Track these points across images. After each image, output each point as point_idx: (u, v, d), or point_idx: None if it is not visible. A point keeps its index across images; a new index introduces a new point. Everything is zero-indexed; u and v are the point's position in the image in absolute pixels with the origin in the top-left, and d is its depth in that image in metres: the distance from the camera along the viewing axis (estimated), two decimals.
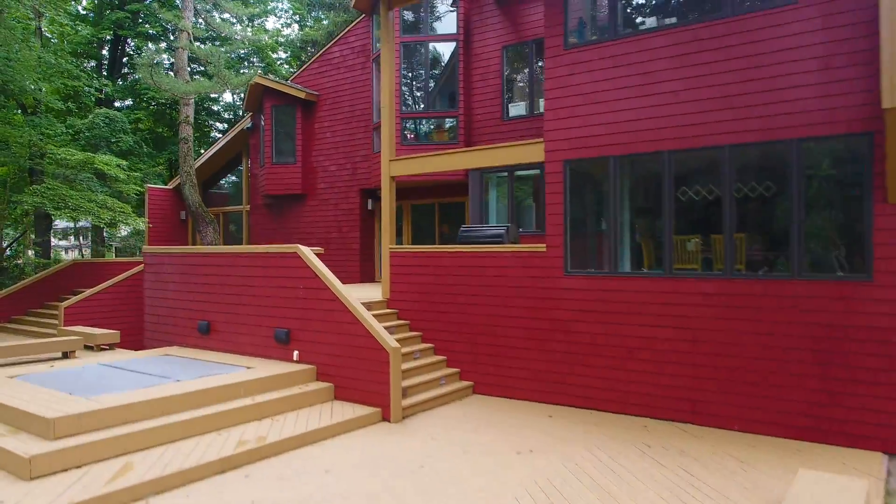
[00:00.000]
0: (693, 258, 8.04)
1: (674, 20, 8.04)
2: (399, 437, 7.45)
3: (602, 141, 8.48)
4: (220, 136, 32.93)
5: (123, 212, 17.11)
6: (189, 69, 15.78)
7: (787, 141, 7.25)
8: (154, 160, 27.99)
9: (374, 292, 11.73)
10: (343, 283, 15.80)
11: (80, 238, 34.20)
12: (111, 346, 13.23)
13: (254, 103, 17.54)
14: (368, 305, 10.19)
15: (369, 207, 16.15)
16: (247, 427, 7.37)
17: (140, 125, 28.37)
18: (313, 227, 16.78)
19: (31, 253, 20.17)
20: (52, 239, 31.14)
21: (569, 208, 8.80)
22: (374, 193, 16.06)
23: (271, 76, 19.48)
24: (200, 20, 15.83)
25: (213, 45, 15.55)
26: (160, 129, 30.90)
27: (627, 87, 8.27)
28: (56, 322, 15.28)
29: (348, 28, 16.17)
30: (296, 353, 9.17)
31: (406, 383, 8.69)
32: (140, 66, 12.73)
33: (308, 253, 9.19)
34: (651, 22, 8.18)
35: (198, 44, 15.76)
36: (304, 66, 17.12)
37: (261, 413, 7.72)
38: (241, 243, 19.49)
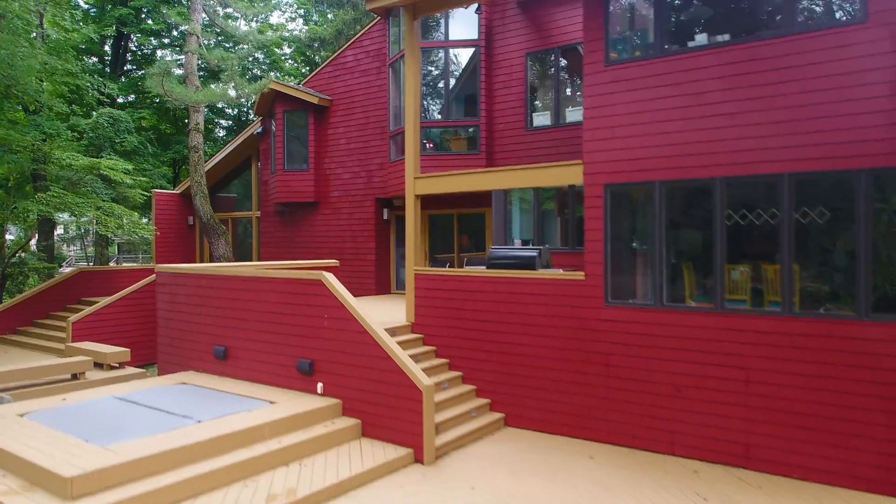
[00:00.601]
0: (741, 288, 7.57)
1: (727, 37, 7.52)
2: (436, 484, 7.01)
3: (646, 165, 7.99)
4: (224, 132, 32.47)
5: (131, 219, 16.65)
6: (199, 74, 15.25)
7: (854, 171, 6.76)
8: (159, 160, 27.50)
9: (396, 312, 11.27)
10: (358, 295, 15.39)
11: (83, 240, 33.69)
12: (121, 364, 12.80)
13: (265, 108, 17.00)
14: (393, 331, 9.74)
15: (385, 217, 15.66)
16: (274, 474, 6.92)
17: (143, 122, 27.80)
18: (326, 237, 16.30)
19: (23, 255, 19.64)
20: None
21: (609, 235, 8.31)
22: (390, 203, 15.57)
23: (275, 74, 18.96)
24: (207, 17, 15.22)
25: (224, 48, 14.96)
26: (164, 127, 30.37)
27: (675, 109, 7.76)
28: (62, 335, 14.84)
29: (362, 31, 15.62)
30: (320, 385, 8.71)
31: (437, 418, 8.25)
32: (150, 76, 12.21)
33: (333, 281, 8.71)
34: (701, 39, 7.66)
35: (209, 41, 15.21)
36: (316, 70, 16.57)
37: (288, 457, 7.28)
38: (250, 251, 19.01)
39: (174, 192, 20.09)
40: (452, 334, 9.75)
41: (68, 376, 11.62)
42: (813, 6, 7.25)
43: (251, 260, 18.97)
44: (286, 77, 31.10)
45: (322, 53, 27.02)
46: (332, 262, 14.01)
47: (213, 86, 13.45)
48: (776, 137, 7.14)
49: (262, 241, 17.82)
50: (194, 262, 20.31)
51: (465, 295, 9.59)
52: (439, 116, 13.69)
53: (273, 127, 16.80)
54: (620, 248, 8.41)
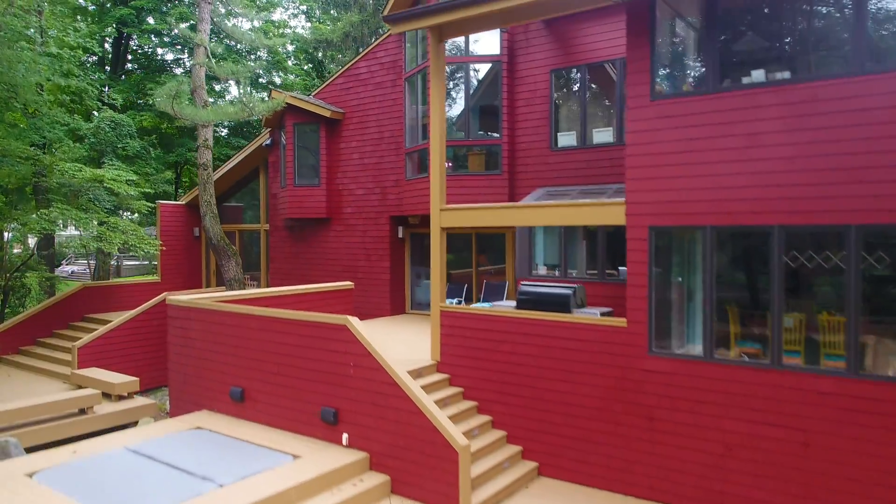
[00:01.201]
0: (796, 339, 7.10)
1: (787, 75, 7.00)
2: None
3: (695, 208, 7.49)
4: (227, 131, 31.81)
5: (136, 234, 16.13)
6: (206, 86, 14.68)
7: None
8: (162, 162, 26.91)
9: (418, 344, 10.79)
10: (373, 315, 14.92)
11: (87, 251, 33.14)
12: (130, 394, 12.34)
13: (274, 119, 16.43)
14: (418, 372, 9.28)
15: (400, 236, 15.16)
16: None
17: (144, 123, 27.17)
18: (338, 254, 15.79)
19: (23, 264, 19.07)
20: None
21: (654, 280, 7.83)
22: (405, 220, 15.06)
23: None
24: (216, 22, 14.62)
25: (233, 57, 14.36)
26: (165, 127, 29.75)
27: (728, 150, 7.25)
28: (68, 357, 14.36)
29: (376, 42, 15.04)
30: (345, 436, 8.25)
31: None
32: (160, 98, 11.66)
33: (359, 327, 8.22)
34: (758, 75, 7.14)
35: (216, 49, 14.64)
36: (327, 81, 16.01)
37: None
38: (257, 264, 18.51)
39: (180, 203, 19.57)
40: (481, 376, 9.28)
41: (76, 410, 11.17)
42: (883, 44, 6.73)
43: (259, 275, 18.47)
44: (289, 78, 30.48)
45: (329, 53, 26.35)
46: (347, 284, 13.55)
47: (221, 101, 12.87)
48: (842, 185, 6.64)
49: (270, 256, 17.31)
50: (200, 275, 19.82)
51: (495, 336, 9.11)
52: (462, 134, 13.14)
53: (283, 139, 16.26)
54: (666, 294, 7.93)
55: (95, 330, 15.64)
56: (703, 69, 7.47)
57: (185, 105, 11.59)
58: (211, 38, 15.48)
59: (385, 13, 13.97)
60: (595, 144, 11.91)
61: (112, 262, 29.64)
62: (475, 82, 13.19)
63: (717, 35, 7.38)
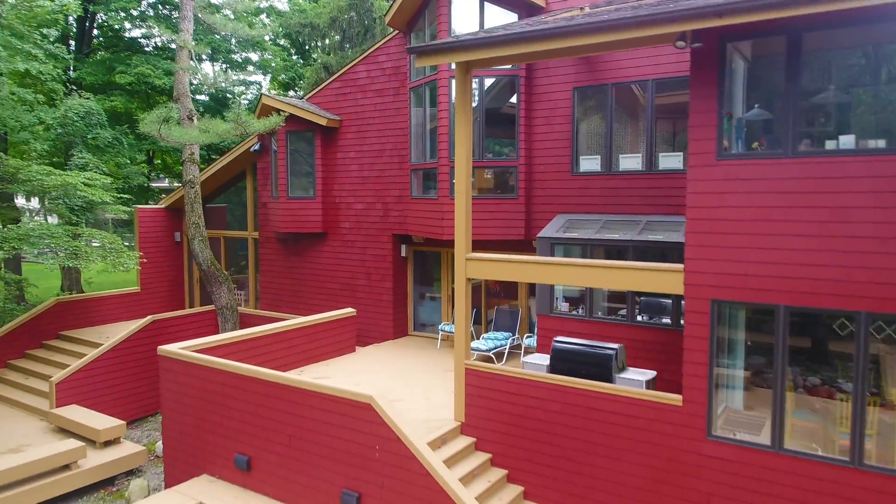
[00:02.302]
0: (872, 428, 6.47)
1: (881, 144, 6.19)
2: None
3: (767, 284, 6.72)
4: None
5: (114, 248, 14.90)
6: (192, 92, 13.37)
7: None
8: (136, 150, 25.30)
9: (435, 393, 9.98)
10: (375, 339, 14.05)
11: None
12: (116, 439, 11.38)
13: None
14: (442, 439, 8.50)
15: (403, 254, 14.21)
16: None
17: (116, 106, 25.45)
18: (336, 271, 14.80)
19: None
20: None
21: (715, 358, 7.09)
22: (409, 239, 14.10)
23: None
24: (199, 18, 13.22)
25: (221, 68, 13.03)
26: (137, 111, 28.00)
27: (808, 222, 6.47)
28: (43, 386, 13.26)
29: (376, 46, 13.83)
30: None
31: None
32: (145, 122, 10.38)
33: (387, 409, 7.36)
34: (848, 141, 6.32)
35: (200, 53, 13.28)
36: (322, 85, 14.78)
37: None
38: (244, 275, 17.41)
39: (159, 206, 18.27)
40: (510, 442, 8.53)
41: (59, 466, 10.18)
42: None
43: (247, 284, 17.39)
44: (265, 57, 28.80)
45: (313, 44, 24.83)
46: (349, 311, 12.69)
47: (207, 117, 11.62)
48: None
49: (261, 269, 16.23)
50: (183, 282, 18.65)
51: (528, 401, 8.34)
52: (475, 155, 12.13)
53: (274, 145, 15.06)
54: (728, 373, 7.21)
55: (72, 351, 14.59)
56: (782, 128, 6.62)
57: (173, 128, 10.35)
58: (196, 39, 14.13)
59: (388, 19, 12.77)
60: (621, 171, 11.06)
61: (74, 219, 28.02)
62: (490, 98, 12.15)
63: (799, 90, 6.51)
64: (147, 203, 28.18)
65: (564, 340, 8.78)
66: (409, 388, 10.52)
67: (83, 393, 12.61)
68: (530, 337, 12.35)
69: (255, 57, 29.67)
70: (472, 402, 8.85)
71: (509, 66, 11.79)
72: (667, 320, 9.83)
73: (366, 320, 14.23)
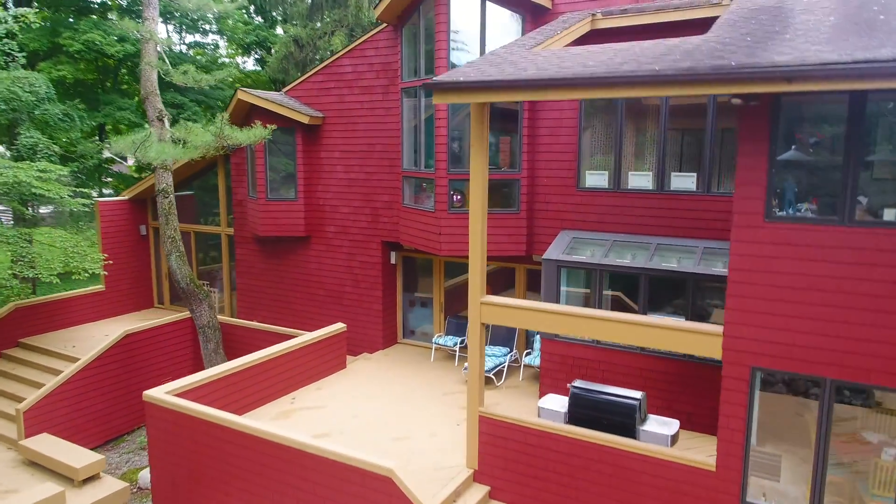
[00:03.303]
0: None
1: None
2: None
3: (813, 355, 6.40)
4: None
5: (78, 252, 13.80)
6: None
7: None
8: (87, 124, 23.56)
9: (441, 429, 9.56)
10: (365, 349, 13.48)
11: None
12: (96, 475, 10.68)
13: (238, 118, 14.08)
14: (457, 492, 8.12)
15: (392, 262, 13.55)
16: None
17: (65, 75, 23.49)
18: (321, 276, 14.07)
19: None
20: None
21: (754, 425, 6.81)
22: (399, 245, 13.43)
23: (251, 89, 15.66)
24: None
25: (194, 64, 11.75)
26: (89, 78, 26.01)
27: (863, 295, 6.11)
28: (9, 408, 12.34)
29: (363, 38, 12.79)
30: None
31: None
32: (118, 143, 9.23)
33: (409, 486, 6.88)
34: None
35: (169, 46, 11.89)
36: (303, 77, 13.69)
37: None
38: (221, 276, 16.48)
39: (122, 198, 17.03)
40: (527, 493, 8.20)
41: None
42: None
43: (222, 283, 16.49)
44: (228, 23, 26.93)
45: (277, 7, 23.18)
46: (339, 327, 12.12)
47: (190, 124, 10.49)
48: None
49: (238, 271, 15.35)
50: (150, 277, 17.61)
51: (547, 454, 7.99)
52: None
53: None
54: (765, 443, 6.94)
55: (35, 363, 13.63)
56: (837, 193, 6.18)
57: (151, 146, 9.27)
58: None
59: (377, 13, 11.74)
60: (630, 189, 10.57)
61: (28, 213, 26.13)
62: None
63: (858, 153, 6.05)
64: (103, 182, 26.54)
65: (583, 386, 8.39)
66: (412, 419, 10.07)
67: (53, 419, 11.77)
68: (529, 353, 11.99)
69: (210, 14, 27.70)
70: (486, 449, 8.46)
71: None
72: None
73: (354, 328, 13.63)
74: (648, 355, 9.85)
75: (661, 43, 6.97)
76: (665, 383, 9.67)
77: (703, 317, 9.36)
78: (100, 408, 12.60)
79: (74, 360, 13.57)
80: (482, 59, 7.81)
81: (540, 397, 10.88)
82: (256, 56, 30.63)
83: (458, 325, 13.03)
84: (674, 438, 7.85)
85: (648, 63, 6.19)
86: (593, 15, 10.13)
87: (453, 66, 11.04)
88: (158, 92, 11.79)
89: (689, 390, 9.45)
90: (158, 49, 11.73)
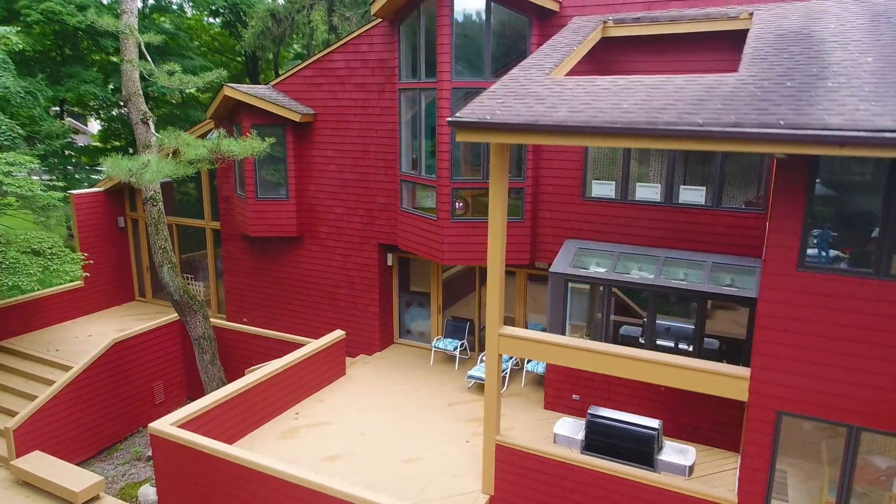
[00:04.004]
0: None
1: None
2: None
3: (840, 402, 6.47)
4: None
5: (56, 255, 13.19)
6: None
7: None
8: (49, 100, 22.34)
9: (451, 448, 9.53)
10: (362, 351, 13.31)
11: None
12: (96, 496, 10.46)
13: (223, 112, 13.46)
14: None
15: (389, 263, 13.28)
16: None
17: (23, 48, 22.06)
18: (314, 277, 13.74)
19: None
20: None
21: (775, 467, 6.91)
22: (395, 247, 13.14)
23: (238, 84, 14.83)
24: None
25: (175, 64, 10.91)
26: (47, 46, 24.47)
27: (893, 347, 6.15)
28: None
29: (357, 33, 12.17)
30: None
31: None
32: (113, 166, 8.56)
33: None
34: None
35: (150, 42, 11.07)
36: (292, 71, 13.04)
37: None
38: (202, 269, 15.99)
39: (97, 189, 16.25)
40: None
41: None
42: None
43: (207, 280, 16.03)
44: None
45: None
46: (339, 335, 11.98)
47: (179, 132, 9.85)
48: None
49: (225, 268, 14.89)
50: (130, 270, 17.02)
51: (564, 483, 8.03)
52: (479, 176, 11.12)
53: (236, 136, 13.41)
54: (786, 482, 7.05)
55: (15, 369, 13.15)
56: (873, 247, 6.14)
57: (146, 171, 8.64)
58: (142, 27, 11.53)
59: (374, 9, 11.13)
60: (637, 200, 10.43)
61: None
62: None
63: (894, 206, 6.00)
64: (66, 158, 25.30)
65: (600, 414, 8.41)
66: (420, 438, 10.01)
67: (45, 435, 11.41)
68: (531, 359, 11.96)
69: None
70: (503, 476, 8.47)
71: None
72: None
73: (349, 329, 13.44)
74: None
75: (695, 81, 6.72)
76: (671, 397, 9.77)
77: (711, 333, 9.41)
78: (91, 419, 12.26)
79: (58, 364, 13.14)
80: (504, 88, 7.46)
81: (545, 407, 10.96)
82: (226, 19, 29.20)
83: (456, 327, 12.93)
84: (691, 469, 7.95)
85: (689, 113, 5.97)
86: (605, 22, 9.77)
87: (457, 70, 10.61)
88: (141, 92, 11.08)
89: (696, 405, 9.56)
90: (140, 45, 10.96)
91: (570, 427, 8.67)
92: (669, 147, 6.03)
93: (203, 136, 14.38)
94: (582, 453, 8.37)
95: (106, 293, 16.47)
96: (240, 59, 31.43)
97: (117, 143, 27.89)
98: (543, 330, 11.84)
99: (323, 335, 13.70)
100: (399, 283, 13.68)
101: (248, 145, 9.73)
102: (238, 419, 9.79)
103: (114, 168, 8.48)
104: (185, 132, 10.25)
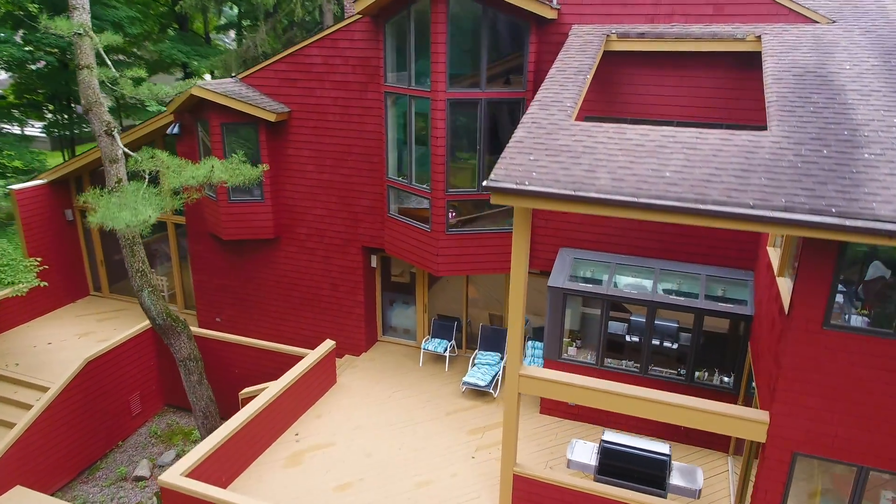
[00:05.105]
0: None
1: None
2: None
3: (852, 446, 6.92)
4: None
5: (9, 265, 12.22)
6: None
7: None
8: None
9: (465, 475, 9.71)
10: (348, 352, 13.17)
11: None
12: None
13: (188, 107, 12.46)
14: None
15: (373, 265, 13.00)
16: None
17: None
18: (294, 277, 13.31)
19: None
20: None
21: (787, 502, 7.41)
22: (381, 250, 12.83)
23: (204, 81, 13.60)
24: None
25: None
26: None
27: None
28: None
29: (336, 28, 11.34)
30: None
31: None
32: (110, 220, 7.64)
33: None
34: None
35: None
36: (262, 65, 12.11)
37: None
38: (169, 269, 15.18)
39: (39, 182, 14.94)
40: None
41: None
42: None
43: (171, 278, 15.27)
44: None
45: None
46: (329, 346, 11.79)
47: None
48: None
49: (193, 267, 14.18)
50: (82, 265, 16.00)
51: None
52: (473, 188, 10.84)
53: (201, 134, 12.53)
54: None
55: None
56: (892, 309, 6.44)
57: (121, 215, 7.74)
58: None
59: (358, 7, 10.36)
60: None
61: None
62: (491, 118, 10.63)
63: None
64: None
65: (613, 441, 8.71)
66: (426, 455, 10.12)
67: (24, 467, 10.84)
68: (526, 359, 12.18)
69: None
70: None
71: (521, 88, 10.32)
72: (682, 373, 10.05)
73: (334, 330, 13.25)
74: (649, 378, 10.30)
75: (730, 141, 6.68)
76: None
77: (707, 344, 9.83)
78: (69, 442, 11.72)
79: (24, 383, 12.42)
80: (531, 138, 7.19)
81: (541, 412, 11.28)
82: None
83: (443, 326, 12.94)
84: (700, 492, 8.43)
85: (736, 189, 5.97)
86: (608, 36, 9.49)
87: (451, 76, 10.14)
88: (102, 100, 10.04)
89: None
90: (98, 47, 9.83)
91: (583, 452, 8.97)
92: (718, 226, 6.04)
93: (161, 129, 13.35)
94: (595, 478, 8.70)
95: (59, 291, 15.48)
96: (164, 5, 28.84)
97: (35, 98, 25.43)
98: (539, 330, 12.03)
99: (304, 336, 13.54)
100: (383, 283, 13.45)
101: (241, 173, 9.06)
102: (242, 451, 9.60)
103: (107, 220, 7.71)
104: (160, 151, 9.37)
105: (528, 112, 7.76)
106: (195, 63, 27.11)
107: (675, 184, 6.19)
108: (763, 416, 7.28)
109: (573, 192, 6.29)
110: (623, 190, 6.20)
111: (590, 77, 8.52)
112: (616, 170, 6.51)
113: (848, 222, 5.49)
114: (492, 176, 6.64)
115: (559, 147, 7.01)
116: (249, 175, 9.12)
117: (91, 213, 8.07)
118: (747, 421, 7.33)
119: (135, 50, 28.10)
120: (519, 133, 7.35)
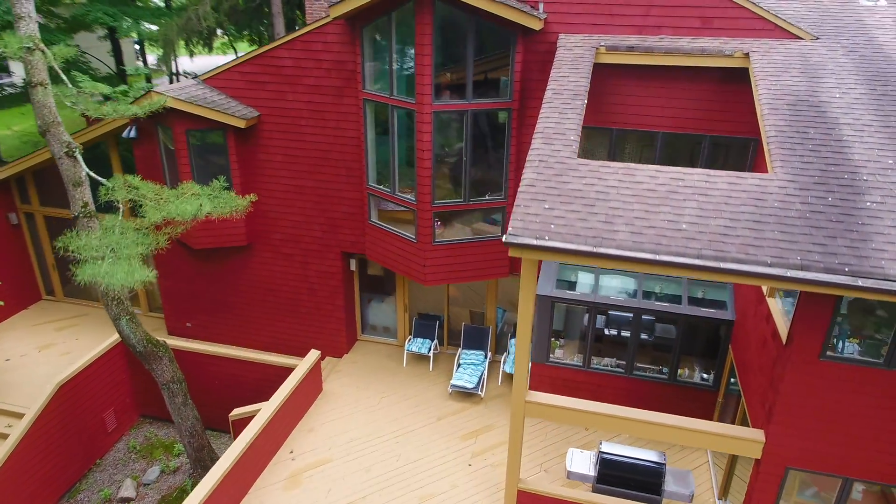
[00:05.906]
0: None
1: None
2: None
3: (842, 461, 7.49)
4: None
5: None
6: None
7: None
8: None
9: (465, 486, 9.97)
10: (330, 353, 13.09)
11: None
12: None
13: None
14: None
15: (352, 268, 12.79)
16: None
17: None
18: (269, 283, 12.98)
19: None
20: None
21: None
22: (359, 255, 12.62)
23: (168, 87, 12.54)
24: None
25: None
26: None
27: (893, 421, 7.15)
28: None
29: (307, 29, 10.72)
30: None
31: None
32: (100, 278, 7.00)
33: None
34: None
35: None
36: (226, 65, 11.38)
37: None
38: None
39: None
40: None
41: None
42: None
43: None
44: None
45: None
46: (314, 355, 11.69)
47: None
48: None
49: (161, 273, 13.58)
50: (32, 270, 15.11)
51: None
52: (459, 199, 10.69)
53: (163, 139, 11.81)
54: None
55: None
56: (885, 344, 6.89)
57: (133, 276, 7.12)
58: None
59: (336, 12, 9.81)
60: None
61: None
62: (477, 129, 10.42)
63: None
64: None
65: (611, 451, 9.11)
66: (424, 464, 10.31)
67: (3, 499, 10.44)
68: (508, 354, 12.40)
69: None
70: None
71: (507, 98, 10.14)
72: (665, 372, 10.52)
73: (312, 332, 13.11)
74: (633, 378, 10.75)
75: (738, 186, 6.82)
76: (648, 402, 10.72)
77: (688, 347, 10.29)
78: (46, 468, 11.31)
79: None
80: (541, 180, 7.13)
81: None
82: None
83: (425, 325, 12.99)
84: (692, 496, 8.98)
85: (752, 245, 6.15)
86: (597, 48, 9.37)
87: (436, 88, 9.85)
88: (61, 120, 9.25)
89: (670, 408, 10.58)
90: (53, 63, 8.98)
91: (581, 462, 9.34)
92: (733, 281, 6.23)
93: (115, 131, 12.50)
94: (594, 487, 9.13)
95: (8, 298, 14.59)
96: None
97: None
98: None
99: (282, 340, 13.37)
100: (361, 283, 13.29)
101: (228, 203, 8.61)
102: (241, 477, 9.53)
103: (98, 278, 7.19)
104: (132, 177, 8.77)
105: (533, 148, 7.67)
106: (124, 26, 25.22)
107: (693, 238, 6.31)
108: (759, 435, 7.75)
109: (594, 249, 6.34)
110: (643, 246, 6.29)
111: (586, 101, 8.45)
112: (633, 220, 6.57)
113: (860, 282, 5.78)
114: (510, 230, 6.59)
115: (571, 193, 6.99)
116: (237, 205, 8.70)
117: (75, 266, 7.53)
118: (744, 440, 7.79)
119: (52, 8, 25.81)
120: (528, 175, 7.27)
